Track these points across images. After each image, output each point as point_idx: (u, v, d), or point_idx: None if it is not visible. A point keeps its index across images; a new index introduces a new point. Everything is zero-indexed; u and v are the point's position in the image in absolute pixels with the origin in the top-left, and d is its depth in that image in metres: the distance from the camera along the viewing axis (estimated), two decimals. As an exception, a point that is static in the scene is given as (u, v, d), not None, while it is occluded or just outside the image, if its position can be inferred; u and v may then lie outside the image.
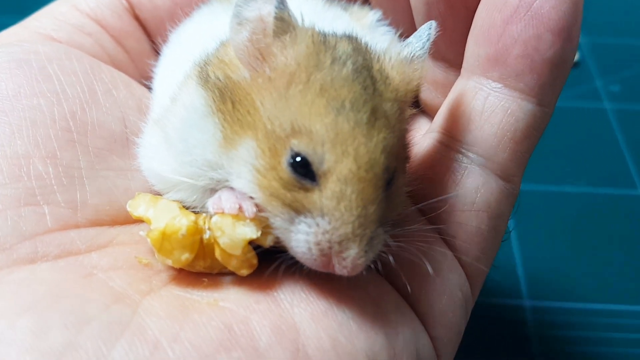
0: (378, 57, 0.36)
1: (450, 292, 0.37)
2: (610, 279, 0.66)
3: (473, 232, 0.38)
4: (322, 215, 0.32)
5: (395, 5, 0.46)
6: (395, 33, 0.47)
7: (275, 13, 0.34)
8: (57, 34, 0.45)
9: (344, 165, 0.32)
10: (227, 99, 0.35)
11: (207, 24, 0.44)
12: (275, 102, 0.33)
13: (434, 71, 0.44)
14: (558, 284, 0.65)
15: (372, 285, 0.35)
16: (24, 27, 0.45)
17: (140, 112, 0.43)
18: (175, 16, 0.47)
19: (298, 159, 0.32)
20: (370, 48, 0.37)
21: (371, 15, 0.47)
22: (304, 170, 0.32)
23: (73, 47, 0.44)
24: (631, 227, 0.71)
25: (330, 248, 0.32)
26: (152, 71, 0.46)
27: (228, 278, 0.35)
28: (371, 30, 0.46)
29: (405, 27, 0.46)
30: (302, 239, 0.33)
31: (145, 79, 0.47)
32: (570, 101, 0.87)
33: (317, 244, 0.32)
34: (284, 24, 0.34)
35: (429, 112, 0.45)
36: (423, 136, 0.41)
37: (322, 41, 0.35)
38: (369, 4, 0.49)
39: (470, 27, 0.39)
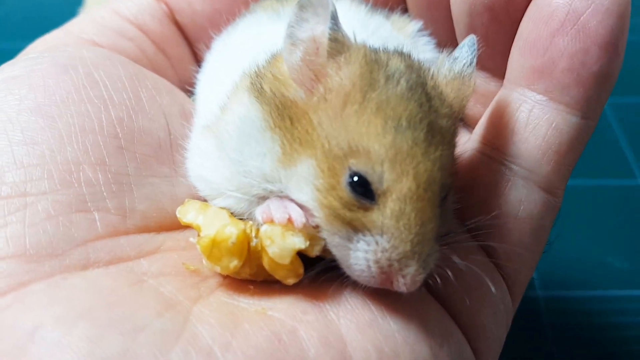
0: (431, 73, 0.36)
1: (493, 305, 0.37)
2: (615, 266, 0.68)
3: (515, 245, 0.38)
4: (382, 234, 0.33)
5: (435, 14, 0.46)
6: (436, 44, 0.47)
7: (329, 34, 0.34)
8: (99, 38, 0.45)
9: (403, 184, 0.32)
10: (285, 116, 0.35)
11: (254, 33, 0.44)
12: (332, 122, 0.34)
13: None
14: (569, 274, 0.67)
15: (415, 297, 0.35)
16: (65, 32, 0.46)
17: (183, 118, 0.43)
18: (215, 22, 0.48)
19: (356, 178, 0.33)
20: (422, 64, 0.37)
21: (412, 25, 0.47)
22: (363, 190, 0.33)
23: (115, 52, 0.44)
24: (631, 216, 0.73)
25: (389, 266, 0.33)
26: (194, 77, 0.47)
27: (274, 286, 0.35)
28: (413, 40, 0.47)
29: (445, 37, 0.46)
30: (362, 256, 0.33)
31: (185, 84, 0.47)
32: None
33: (377, 261, 0.33)
34: (338, 44, 0.34)
35: (468, 123, 0.45)
36: (464, 147, 0.41)
37: (375, 59, 0.35)
38: (409, 13, 0.49)
39: (513, 38, 0.39)
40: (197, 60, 0.49)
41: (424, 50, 0.46)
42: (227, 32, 0.47)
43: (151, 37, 0.47)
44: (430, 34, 0.48)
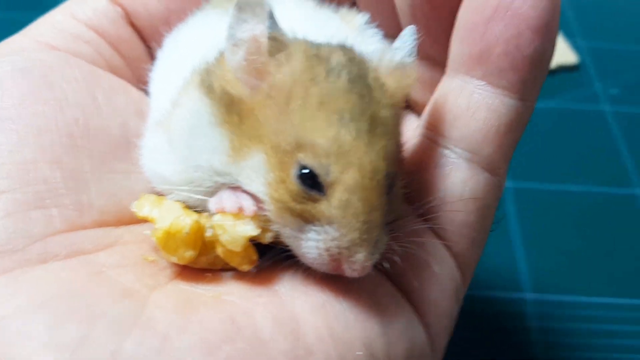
0: (373, 65, 0.38)
1: (442, 282, 0.39)
2: (607, 273, 0.70)
3: (462, 224, 0.40)
4: (330, 223, 0.34)
5: (381, 7, 0.48)
6: (383, 35, 0.49)
7: (268, 34, 0.35)
8: (56, 42, 0.46)
9: (349, 176, 0.34)
10: (233, 112, 0.36)
11: (203, 30, 0.45)
12: (278, 118, 0.35)
13: (420, 70, 0.45)
14: (560, 278, 0.69)
15: (367, 278, 0.36)
16: (23, 36, 0.46)
17: (139, 116, 0.44)
18: (169, 22, 0.49)
19: (305, 171, 0.34)
20: (364, 57, 0.38)
21: (360, 18, 0.48)
22: (312, 182, 0.34)
23: (72, 55, 0.45)
24: (628, 224, 0.76)
25: (339, 253, 0.34)
26: (149, 76, 0.48)
27: (230, 273, 0.37)
28: (360, 32, 0.48)
29: (392, 29, 0.48)
30: (313, 245, 0.34)
31: (142, 83, 0.48)
32: (570, 103, 0.90)
33: (327, 249, 0.34)
34: (277, 43, 0.36)
35: (416, 110, 0.47)
36: (412, 133, 0.43)
37: (315, 54, 0.36)
38: (356, 6, 0.50)
39: (453, 27, 0.41)
40: (154, 59, 0.50)
41: (371, 42, 0.47)
42: (178, 30, 0.48)
43: (107, 39, 0.48)
44: (378, 26, 0.49)
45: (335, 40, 0.39)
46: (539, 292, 0.67)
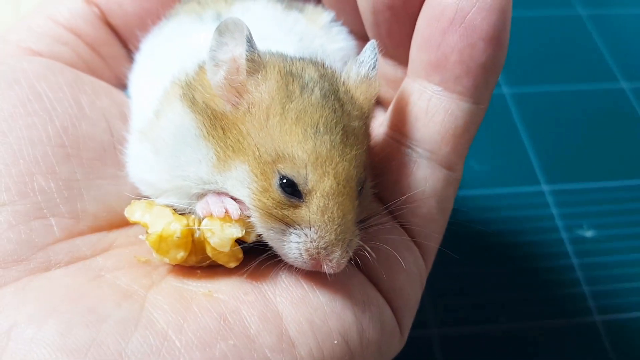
0: (342, 79, 0.41)
1: (408, 269, 0.43)
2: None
3: (424, 216, 0.44)
4: (310, 227, 0.38)
5: (345, 7, 0.51)
6: (348, 32, 0.52)
7: (247, 56, 0.38)
8: (36, 46, 0.48)
9: (325, 184, 0.37)
10: (217, 125, 0.39)
11: (179, 37, 0.47)
12: (259, 132, 0.38)
13: (384, 69, 0.49)
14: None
15: (342, 272, 0.40)
16: (4, 41, 0.48)
17: (122, 119, 0.47)
18: (145, 22, 0.51)
19: (285, 180, 0.38)
20: (335, 71, 0.42)
21: (325, 16, 0.51)
22: (292, 190, 0.38)
23: (52, 59, 0.47)
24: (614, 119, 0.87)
25: (318, 253, 0.38)
26: (128, 77, 0.50)
27: (219, 270, 0.40)
28: (326, 30, 0.51)
29: (357, 26, 0.51)
30: (294, 247, 0.38)
31: (122, 83, 0.50)
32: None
33: (307, 250, 0.38)
34: (255, 64, 0.39)
35: (383, 105, 0.51)
36: (378, 130, 0.46)
37: (290, 72, 0.39)
38: (322, 3, 0.53)
39: (413, 31, 0.44)
40: (132, 59, 0.52)
41: (336, 39, 0.51)
42: (153, 34, 0.50)
43: (85, 40, 0.50)
44: (343, 23, 0.52)
45: (306, 41, 0.42)
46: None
